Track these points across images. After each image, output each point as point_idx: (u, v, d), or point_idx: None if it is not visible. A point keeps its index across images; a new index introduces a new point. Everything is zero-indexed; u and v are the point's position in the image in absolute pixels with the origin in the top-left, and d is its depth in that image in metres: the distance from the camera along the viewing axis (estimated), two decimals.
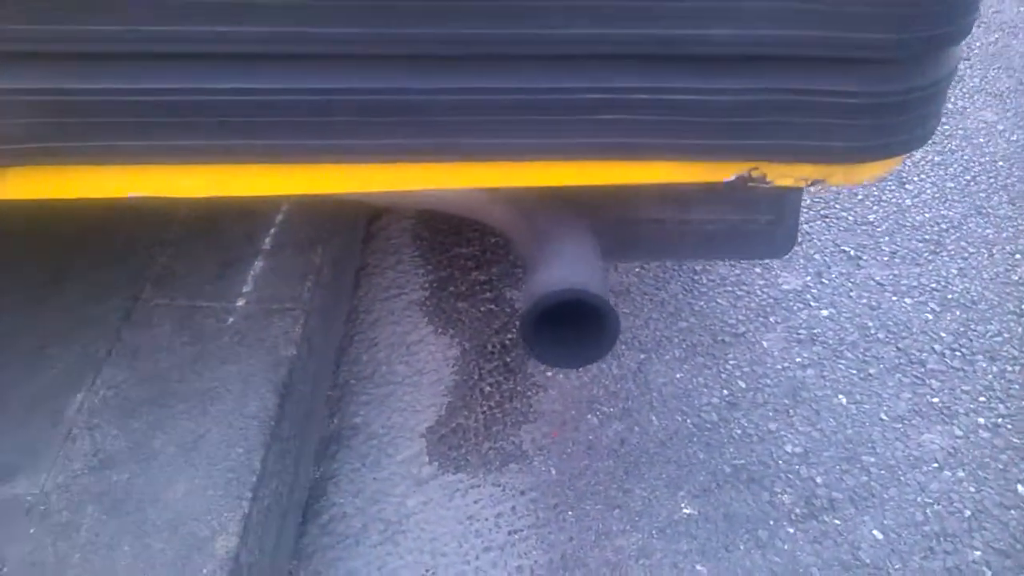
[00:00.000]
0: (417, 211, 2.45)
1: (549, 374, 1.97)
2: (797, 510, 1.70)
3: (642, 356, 2.02)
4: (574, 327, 1.36)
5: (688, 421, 1.88)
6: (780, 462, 1.80)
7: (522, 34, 1.01)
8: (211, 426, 1.52)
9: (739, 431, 1.86)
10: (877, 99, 1.07)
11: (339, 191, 1.18)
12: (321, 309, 1.85)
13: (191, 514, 1.39)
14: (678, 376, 1.98)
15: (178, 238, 1.92)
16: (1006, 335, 2.08)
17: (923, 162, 2.67)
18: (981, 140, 2.77)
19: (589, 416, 1.89)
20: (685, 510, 1.71)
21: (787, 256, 2.29)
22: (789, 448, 1.82)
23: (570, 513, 1.69)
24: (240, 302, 1.75)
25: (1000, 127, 2.82)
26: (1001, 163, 2.66)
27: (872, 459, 1.80)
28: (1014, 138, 2.77)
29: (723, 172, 1.19)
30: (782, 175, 1.20)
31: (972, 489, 1.74)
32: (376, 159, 1.12)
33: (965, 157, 2.69)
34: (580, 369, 1.96)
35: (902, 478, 1.76)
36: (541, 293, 1.22)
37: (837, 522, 1.68)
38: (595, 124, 1.08)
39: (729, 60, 1.06)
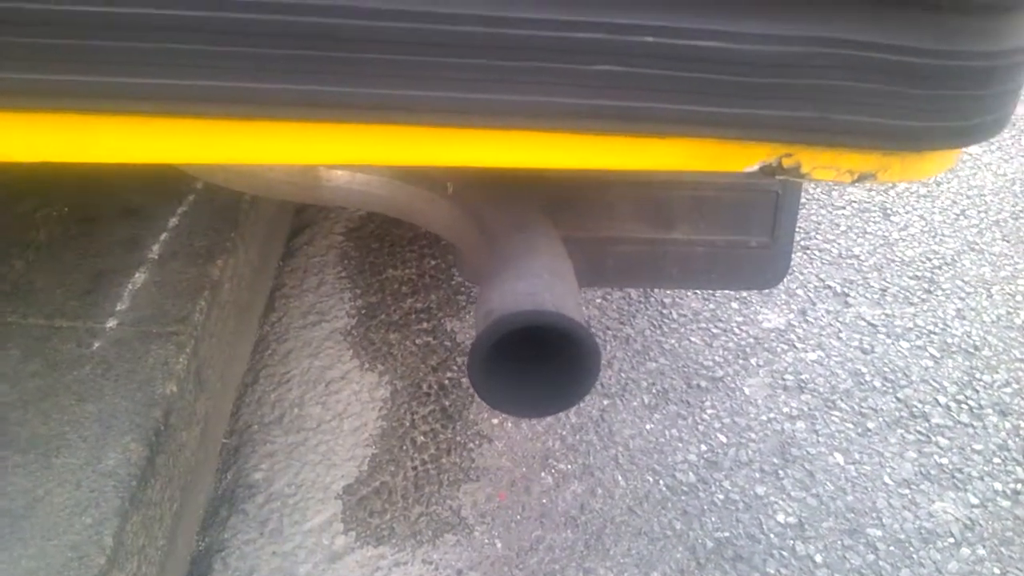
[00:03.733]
0: (347, 226, 2.11)
1: (495, 422, 1.64)
2: None
3: (605, 402, 1.71)
4: (536, 364, 1.04)
5: (661, 483, 1.56)
6: (771, 535, 1.49)
7: None
8: (52, 486, 1.15)
9: (721, 496, 1.55)
10: (966, 61, 0.79)
11: (198, 160, 0.84)
12: (218, 335, 1.50)
13: None
14: (648, 427, 1.67)
15: (44, 241, 1.55)
16: (1015, 385, 1.82)
17: (907, 193, 2.43)
18: (967, 173, 2.55)
19: (543, 475, 1.56)
20: None
21: (767, 291, 2.02)
22: (781, 518, 1.52)
23: None
24: (110, 323, 1.39)
25: (985, 160, 2.62)
26: (990, 197, 2.44)
27: (878, 532, 1.51)
28: (1000, 171, 2.56)
29: (745, 158, 0.89)
30: (822, 165, 0.90)
31: (996, 570, 1.46)
32: (258, 110, 0.78)
33: (952, 190, 2.46)
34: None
35: (914, 556, 1.47)
36: (500, 314, 0.90)
37: None
38: (583, 78, 0.77)
39: None
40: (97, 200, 1.63)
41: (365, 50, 0.74)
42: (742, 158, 0.90)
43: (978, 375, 1.84)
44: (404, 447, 1.58)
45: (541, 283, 0.96)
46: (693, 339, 1.88)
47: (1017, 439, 1.70)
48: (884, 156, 0.90)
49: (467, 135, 0.83)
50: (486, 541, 1.44)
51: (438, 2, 0.73)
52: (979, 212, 2.38)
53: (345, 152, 0.83)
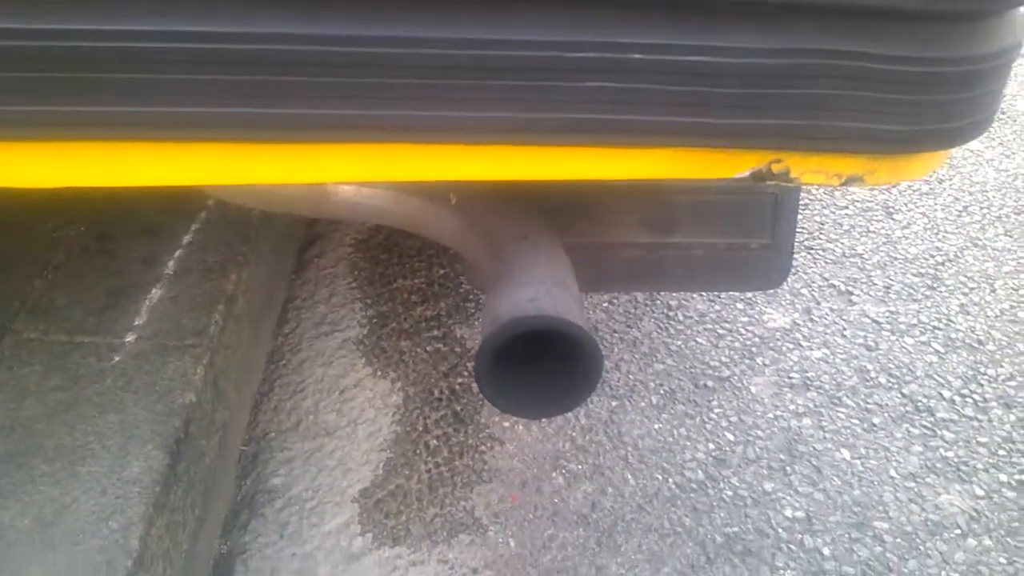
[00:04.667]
0: (356, 238, 2.16)
1: (507, 425, 1.68)
2: None
3: (614, 403, 1.74)
4: (541, 367, 1.08)
5: (670, 481, 1.60)
6: (780, 530, 1.52)
7: None
8: (79, 493, 1.19)
9: (730, 492, 1.58)
10: (947, 67, 0.82)
11: (217, 182, 0.88)
12: (233, 347, 1.54)
13: None
14: (656, 427, 1.70)
15: (63, 260, 1.60)
16: (1020, 379, 1.84)
17: (909, 191, 2.46)
18: (969, 169, 2.57)
19: (554, 475, 1.59)
20: None
21: (772, 291, 2.05)
22: (789, 512, 1.55)
23: None
24: (130, 337, 1.43)
25: (987, 156, 2.64)
26: (992, 193, 2.46)
27: (885, 525, 1.53)
28: (1002, 167, 2.58)
29: (735, 165, 0.93)
30: (811, 170, 0.93)
31: (1003, 560, 1.48)
32: (262, 133, 0.83)
33: (954, 186, 2.48)
34: (544, 420, 1.67)
35: (921, 548, 1.50)
36: (506, 320, 0.94)
37: None
38: (579, 94, 0.81)
39: (753, 11, 0.80)
40: (113, 219, 1.68)
41: (380, 75, 0.79)
42: (732, 165, 0.93)
43: (982, 369, 1.87)
44: (418, 451, 1.61)
45: (543, 289, 0.99)
46: (699, 340, 1.91)
47: (1022, 431, 1.72)
48: (871, 159, 0.93)
49: (470, 151, 0.87)
50: (500, 540, 1.47)
51: (442, 29, 0.77)
52: (982, 208, 2.40)
53: (354, 170, 0.87)
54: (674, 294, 2.01)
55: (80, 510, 1.17)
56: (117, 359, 1.39)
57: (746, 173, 0.94)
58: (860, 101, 0.84)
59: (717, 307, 2.00)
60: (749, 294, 2.03)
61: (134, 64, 0.78)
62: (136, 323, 1.45)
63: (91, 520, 1.16)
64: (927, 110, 0.85)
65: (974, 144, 2.69)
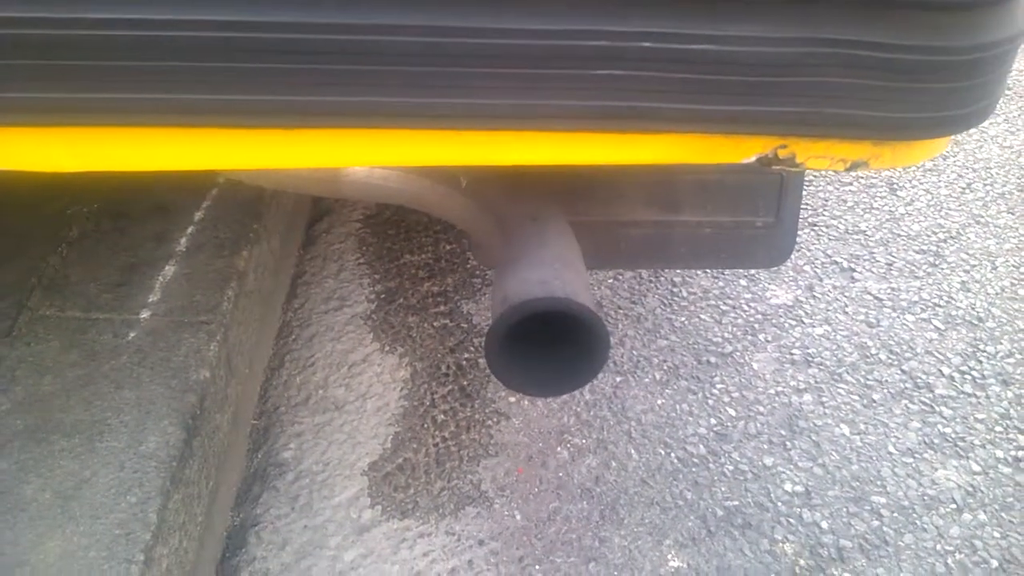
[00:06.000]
0: (363, 214, 2.18)
1: (512, 400, 1.71)
2: (802, 561, 1.46)
3: (618, 379, 1.77)
4: (549, 347, 1.11)
5: (672, 455, 1.63)
6: (779, 504, 1.55)
7: None
8: (98, 468, 1.23)
9: (731, 467, 1.61)
10: (950, 56, 0.83)
11: (246, 167, 0.90)
12: (245, 322, 1.57)
13: None
14: (659, 402, 1.73)
15: (77, 237, 1.62)
16: (1018, 356, 1.87)
17: (913, 168, 2.47)
18: (973, 146, 2.58)
19: (559, 449, 1.63)
20: (672, 563, 1.45)
21: (775, 268, 2.07)
22: (789, 487, 1.58)
23: (537, 568, 1.43)
24: (144, 314, 1.46)
25: (991, 133, 2.64)
26: (996, 170, 2.47)
27: (883, 500, 1.57)
28: (1007, 144, 2.59)
29: (743, 151, 0.94)
30: (816, 155, 0.95)
31: (997, 535, 1.52)
32: (271, 120, 0.85)
33: (958, 163, 2.49)
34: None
35: (918, 522, 1.53)
36: (514, 301, 0.96)
37: None
38: (591, 81, 0.83)
39: (761, 0, 0.81)
40: (125, 197, 1.70)
41: (402, 63, 0.81)
42: (740, 150, 0.95)
43: (982, 346, 1.89)
44: (425, 425, 1.65)
45: (552, 271, 1.02)
46: (703, 316, 1.94)
47: (1019, 408, 1.75)
48: (875, 145, 0.95)
49: (485, 137, 0.89)
50: (506, 513, 1.51)
51: (465, 18, 0.79)
52: (985, 185, 2.41)
53: (373, 155, 0.90)
54: (678, 271, 2.03)
55: (99, 484, 1.21)
56: (132, 335, 1.42)
57: (753, 158, 0.96)
58: (864, 89, 0.86)
59: (721, 283, 2.02)
60: (752, 271, 2.05)
61: (151, 52, 0.79)
62: (150, 300, 1.48)
63: (110, 494, 1.19)
64: (930, 97, 0.87)
65: None
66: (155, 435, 1.27)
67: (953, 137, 2.52)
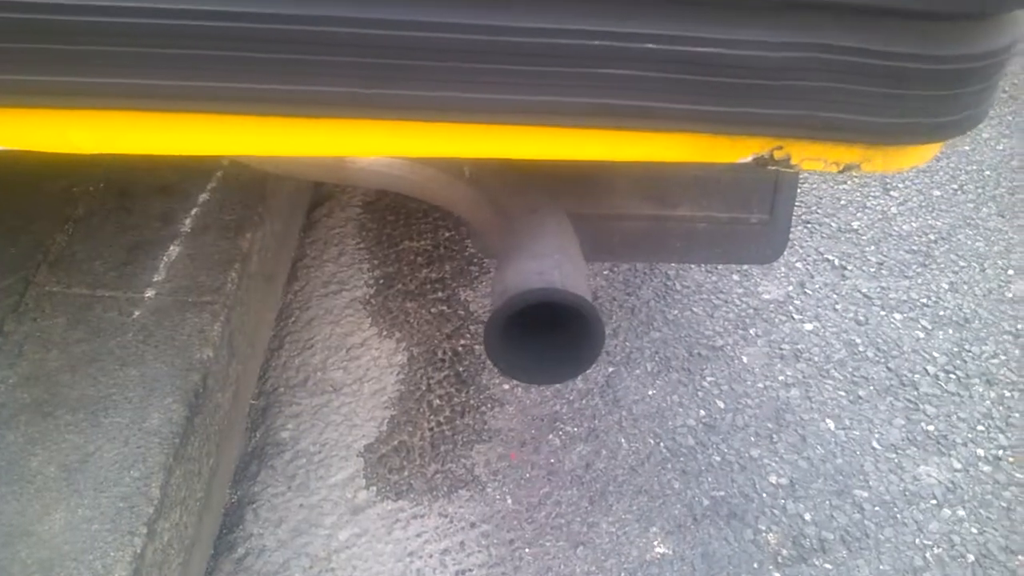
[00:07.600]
0: (364, 199, 2.20)
1: (506, 387, 1.74)
2: (784, 551, 1.50)
3: (611, 369, 1.81)
4: (545, 335, 1.14)
5: (661, 445, 1.67)
6: (764, 495, 1.59)
7: None
8: (103, 442, 1.26)
9: (718, 458, 1.65)
10: (941, 64, 0.87)
11: (250, 153, 0.93)
12: (247, 304, 1.60)
13: (70, 553, 1.13)
14: (650, 393, 1.77)
15: (83, 215, 1.65)
16: (1002, 357, 1.91)
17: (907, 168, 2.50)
18: (967, 148, 2.61)
19: (551, 436, 1.66)
20: (658, 549, 1.50)
21: (768, 264, 2.10)
22: (774, 479, 1.62)
23: (527, 551, 1.47)
24: (149, 293, 1.49)
25: (985, 135, 2.68)
26: (988, 172, 2.51)
27: (865, 493, 1.61)
28: (1000, 147, 2.63)
29: (739, 151, 0.98)
30: (811, 157, 0.98)
31: (974, 530, 1.56)
32: (286, 109, 0.88)
33: (951, 165, 2.53)
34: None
35: (898, 516, 1.58)
36: (514, 292, 1.00)
37: (828, 566, 1.49)
38: (594, 80, 0.86)
39: (761, 6, 0.84)
40: (130, 177, 1.72)
41: (412, 58, 0.83)
42: (736, 150, 0.98)
43: (967, 346, 1.93)
44: (421, 409, 1.68)
45: (551, 263, 1.05)
46: (695, 310, 1.97)
47: (1001, 408, 1.79)
48: (867, 149, 0.98)
49: (491, 131, 0.92)
50: (497, 497, 1.55)
51: (478, 15, 0.82)
52: (977, 187, 2.45)
53: (380, 146, 0.93)
54: (673, 265, 2.06)
55: (104, 459, 1.24)
56: (137, 314, 1.45)
57: (749, 158, 0.99)
58: (858, 94, 0.89)
59: (714, 278, 2.06)
60: (745, 267, 2.09)
61: (171, 40, 0.82)
62: (155, 279, 1.51)
63: (114, 468, 1.23)
64: (921, 104, 0.90)
65: None
66: (158, 412, 1.30)
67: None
